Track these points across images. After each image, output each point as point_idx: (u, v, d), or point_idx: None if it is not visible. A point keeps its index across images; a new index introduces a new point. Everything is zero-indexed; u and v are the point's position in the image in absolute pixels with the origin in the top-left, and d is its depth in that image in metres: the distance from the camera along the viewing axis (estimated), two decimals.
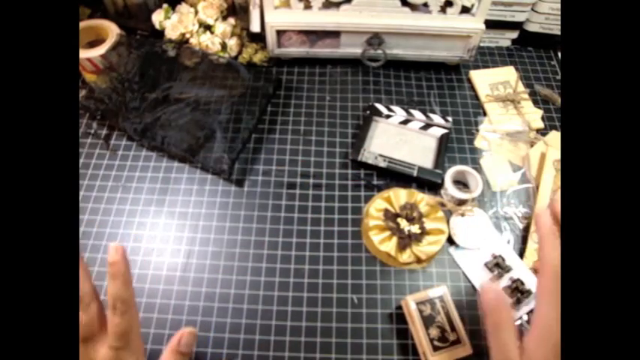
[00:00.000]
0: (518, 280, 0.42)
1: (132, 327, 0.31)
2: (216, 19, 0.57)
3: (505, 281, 0.43)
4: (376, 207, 0.45)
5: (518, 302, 0.41)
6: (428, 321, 0.39)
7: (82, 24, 0.55)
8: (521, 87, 0.58)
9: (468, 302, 0.42)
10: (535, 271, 0.43)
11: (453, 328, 0.39)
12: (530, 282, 0.42)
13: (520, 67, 0.61)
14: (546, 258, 0.29)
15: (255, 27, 0.56)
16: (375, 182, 0.49)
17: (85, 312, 0.30)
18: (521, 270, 0.43)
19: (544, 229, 0.31)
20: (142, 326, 0.40)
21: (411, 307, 0.39)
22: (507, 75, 0.59)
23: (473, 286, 0.43)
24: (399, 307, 0.41)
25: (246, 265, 0.43)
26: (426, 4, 0.52)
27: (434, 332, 0.39)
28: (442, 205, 0.46)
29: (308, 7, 0.53)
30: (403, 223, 0.44)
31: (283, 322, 0.41)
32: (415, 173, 0.48)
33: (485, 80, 0.58)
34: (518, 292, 0.42)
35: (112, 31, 0.55)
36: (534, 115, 0.55)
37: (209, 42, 0.56)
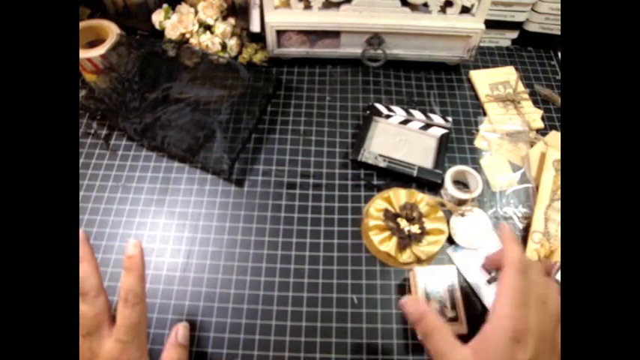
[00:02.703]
0: None
1: (141, 321, 0.31)
2: (216, 19, 0.57)
3: None
4: (376, 207, 0.45)
5: None
6: (430, 294, 0.39)
7: (82, 24, 0.55)
8: (521, 87, 0.58)
9: (468, 302, 0.42)
10: None
11: (454, 306, 0.39)
12: None
13: (520, 67, 0.61)
14: (508, 256, 0.32)
15: (255, 27, 0.56)
16: (375, 182, 0.49)
17: (91, 305, 0.30)
18: None
19: (506, 234, 0.35)
20: None
21: (417, 277, 0.40)
22: (507, 75, 0.59)
23: (470, 287, 0.43)
24: (399, 308, 0.41)
25: (246, 265, 0.44)
26: (426, 4, 0.52)
27: (433, 305, 0.39)
28: (442, 205, 0.46)
29: (308, 7, 0.53)
30: (403, 223, 0.44)
31: (283, 322, 0.41)
32: (415, 173, 0.48)
33: (486, 80, 0.58)
34: None
35: (112, 31, 0.55)
36: (534, 115, 0.55)
37: (209, 42, 0.56)
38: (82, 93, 0.54)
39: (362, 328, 0.41)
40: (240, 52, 0.59)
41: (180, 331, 0.37)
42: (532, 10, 0.59)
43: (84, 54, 0.52)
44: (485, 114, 0.56)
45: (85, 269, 0.31)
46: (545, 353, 0.29)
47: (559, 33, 0.61)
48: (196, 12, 0.57)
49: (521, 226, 0.47)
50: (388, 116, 0.53)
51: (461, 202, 0.46)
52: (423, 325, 0.31)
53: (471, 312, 0.41)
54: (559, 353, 0.30)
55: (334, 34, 0.55)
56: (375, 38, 0.55)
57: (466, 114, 0.56)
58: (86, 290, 0.31)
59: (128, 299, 0.31)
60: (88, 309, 0.30)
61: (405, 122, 0.53)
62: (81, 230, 0.34)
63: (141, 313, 0.32)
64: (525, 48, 0.64)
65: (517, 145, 0.52)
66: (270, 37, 0.55)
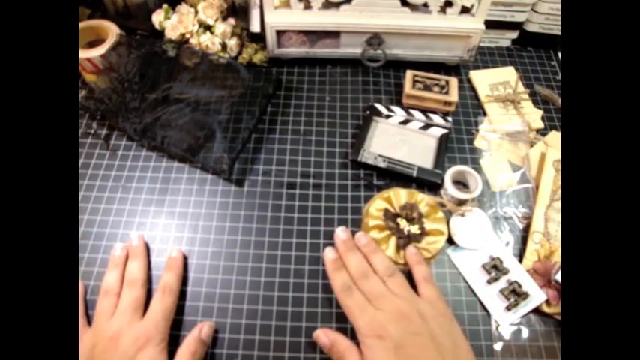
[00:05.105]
0: (515, 282, 0.42)
1: (171, 309, 0.39)
2: (216, 20, 0.57)
3: (502, 283, 0.43)
4: (377, 207, 0.45)
5: (515, 305, 0.41)
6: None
7: (82, 24, 0.55)
8: (521, 87, 0.58)
9: (468, 302, 0.42)
10: (535, 271, 0.43)
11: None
12: (528, 284, 0.42)
13: (520, 67, 0.61)
14: (334, 289, 0.39)
15: (255, 27, 0.56)
16: (374, 182, 0.49)
17: (141, 289, 0.39)
18: (518, 272, 0.43)
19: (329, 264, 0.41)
20: None
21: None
22: (507, 75, 0.59)
23: (470, 287, 0.43)
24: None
25: (246, 266, 0.44)
26: (426, 5, 0.52)
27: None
28: (442, 205, 0.46)
29: (308, 7, 0.53)
30: (403, 224, 0.44)
31: (283, 322, 0.41)
32: (415, 173, 0.48)
33: (485, 80, 0.58)
34: (515, 294, 0.41)
35: (112, 31, 0.55)
36: (534, 116, 0.55)
37: (209, 42, 0.56)
38: (82, 93, 0.54)
39: None
40: (240, 53, 0.59)
41: (205, 328, 0.38)
42: (532, 10, 0.59)
43: (84, 54, 0.52)
44: (485, 114, 0.56)
45: (139, 264, 0.41)
46: (409, 326, 0.34)
47: (559, 33, 0.61)
48: (196, 12, 0.57)
49: (520, 226, 0.47)
50: (388, 116, 0.53)
51: (461, 203, 0.46)
52: (335, 351, 0.36)
53: (470, 312, 0.41)
54: (434, 315, 0.36)
55: (334, 35, 0.55)
56: (375, 38, 0.55)
57: (466, 114, 0.56)
58: (136, 280, 0.39)
59: (165, 290, 0.39)
60: (136, 292, 0.39)
61: (404, 122, 0.53)
62: (140, 234, 0.44)
63: (173, 302, 0.39)
64: (525, 48, 0.64)
65: (517, 145, 0.52)
66: (270, 38, 0.55)
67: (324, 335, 0.37)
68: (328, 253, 0.41)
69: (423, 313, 0.35)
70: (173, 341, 0.38)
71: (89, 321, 0.39)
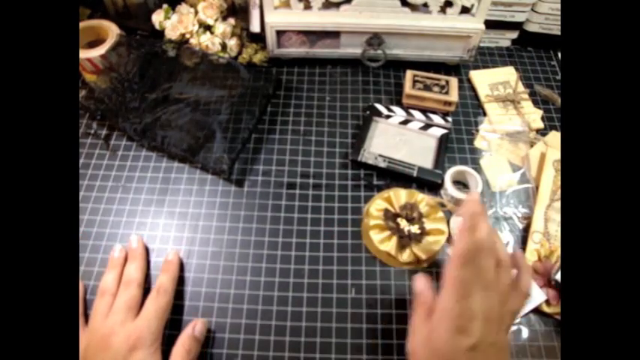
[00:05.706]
0: None
1: (165, 309, 0.38)
2: (216, 20, 0.57)
3: None
4: (376, 207, 0.45)
5: None
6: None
7: (82, 24, 0.55)
8: (521, 87, 0.58)
9: None
10: (535, 271, 0.43)
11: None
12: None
13: (520, 67, 0.61)
14: (455, 248, 0.32)
15: (255, 27, 0.56)
16: (375, 182, 0.49)
17: (133, 290, 0.39)
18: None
19: (461, 225, 0.33)
20: None
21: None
22: (507, 75, 0.59)
23: None
24: (399, 308, 0.41)
25: (246, 266, 0.44)
26: (426, 5, 0.52)
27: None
28: (442, 205, 0.46)
29: (308, 7, 0.53)
30: (403, 223, 0.44)
31: (283, 322, 0.41)
32: (415, 173, 0.48)
33: (485, 80, 0.58)
34: None
35: (112, 31, 0.55)
36: (534, 116, 0.55)
37: (209, 42, 0.56)
38: (82, 93, 0.54)
39: (362, 328, 0.40)
40: (240, 53, 0.59)
41: (198, 325, 0.39)
42: (532, 10, 0.59)
43: (84, 54, 0.52)
44: (485, 114, 0.56)
45: (137, 266, 0.41)
46: (490, 333, 0.30)
47: (559, 33, 0.61)
48: (196, 12, 0.57)
49: (521, 226, 0.47)
50: (388, 116, 0.53)
51: (461, 203, 0.46)
52: (418, 295, 0.35)
53: None
54: (506, 327, 0.32)
55: (334, 35, 0.55)
56: (375, 38, 0.55)
57: (466, 114, 0.56)
58: (132, 280, 0.39)
59: (160, 291, 0.39)
60: (131, 292, 0.38)
61: (404, 122, 0.53)
62: (139, 237, 0.43)
63: (167, 303, 0.39)
64: (525, 48, 0.64)
65: (517, 145, 0.52)
66: (270, 38, 0.55)
67: (423, 283, 0.35)
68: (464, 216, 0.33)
69: (502, 321, 0.32)
70: (172, 341, 0.38)
71: (87, 321, 0.39)
